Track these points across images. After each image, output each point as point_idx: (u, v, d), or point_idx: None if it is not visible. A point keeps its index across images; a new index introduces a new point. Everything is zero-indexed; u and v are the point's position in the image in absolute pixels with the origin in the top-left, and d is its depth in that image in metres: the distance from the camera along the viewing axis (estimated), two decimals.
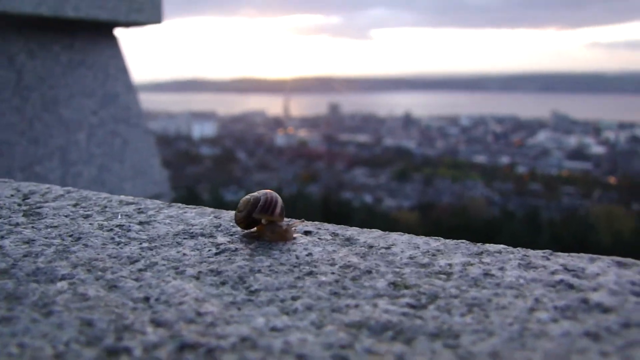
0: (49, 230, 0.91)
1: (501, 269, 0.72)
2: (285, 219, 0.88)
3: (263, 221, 0.85)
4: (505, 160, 59.25)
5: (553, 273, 0.70)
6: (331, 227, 0.90)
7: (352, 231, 0.88)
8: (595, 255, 0.76)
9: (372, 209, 31.42)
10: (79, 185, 3.26)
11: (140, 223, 0.94)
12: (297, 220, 0.90)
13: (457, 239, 0.84)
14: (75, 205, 1.05)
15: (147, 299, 0.66)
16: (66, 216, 0.98)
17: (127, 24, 3.40)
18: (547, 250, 0.79)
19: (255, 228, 0.87)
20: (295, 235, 0.86)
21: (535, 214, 29.69)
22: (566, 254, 0.78)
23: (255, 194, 0.87)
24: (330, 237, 0.85)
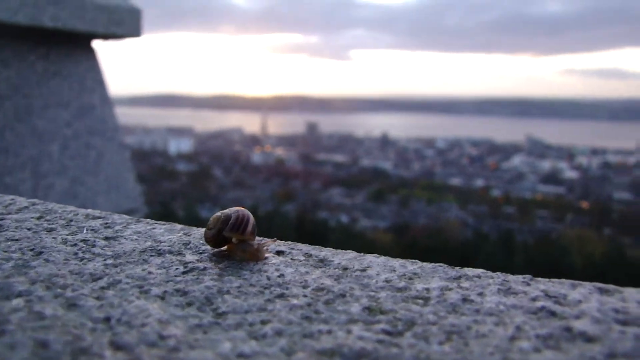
0: (9, 243, 0.87)
1: (480, 294, 0.69)
2: (257, 238, 0.85)
3: (234, 240, 0.82)
4: (480, 183, 59.76)
5: (534, 299, 0.68)
6: (305, 247, 0.87)
7: (326, 252, 0.84)
8: (576, 282, 0.74)
9: (347, 229, 31.40)
10: (51, 197, 3.19)
11: (106, 238, 0.90)
12: (269, 240, 0.87)
13: (433, 261, 0.81)
14: (39, 218, 1.01)
15: (107, 320, 0.62)
16: (29, 229, 0.94)
17: (105, 36, 3.36)
18: (527, 275, 0.76)
19: (225, 247, 0.83)
20: (267, 255, 0.82)
21: (509, 237, 29.94)
22: (547, 279, 0.75)
23: (227, 211, 0.83)
24: (304, 258, 0.82)
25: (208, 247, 0.86)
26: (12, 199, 1.13)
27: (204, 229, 0.93)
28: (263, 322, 0.61)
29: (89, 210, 1.07)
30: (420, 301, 0.67)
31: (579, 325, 0.61)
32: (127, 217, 1.03)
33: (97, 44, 3.51)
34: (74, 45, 3.37)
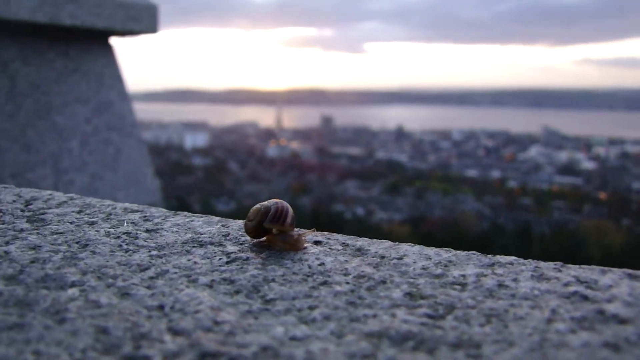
0: (54, 236, 0.90)
1: (515, 280, 0.72)
2: (295, 229, 0.88)
3: (274, 230, 0.85)
4: (496, 174, 59.43)
5: (566, 285, 0.70)
6: (341, 237, 0.90)
7: (362, 242, 0.87)
8: (606, 268, 0.76)
9: (363, 221, 31.40)
10: (71, 193, 3.24)
11: (147, 231, 0.93)
12: (308, 230, 0.90)
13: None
14: (79, 212, 1.04)
15: (161, 307, 0.65)
16: (71, 223, 0.98)
17: (122, 33, 3.39)
18: (558, 262, 0.79)
19: (264, 237, 0.87)
20: (305, 245, 0.85)
21: (526, 228, 29.79)
22: (577, 265, 0.78)
23: (266, 203, 0.86)
24: (341, 247, 0.85)
25: (248, 238, 0.89)
26: (50, 194, 1.16)
27: (240, 221, 0.96)
28: (311, 308, 0.64)
29: (127, 204, 1.11)
30: (458, 287, 0.70)
31: (611, 308, 0.64)
32: (164, 210, 1.06)
33: (114, 41, 3.54)
34: (92, 42, 3.41)
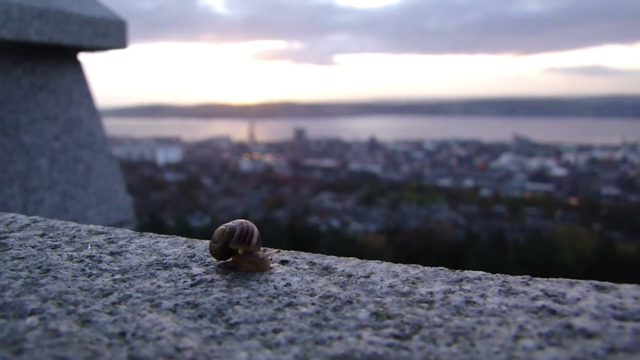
0: (15, 262, 0.88)
1: (482, 296, 0.72)
2: (262, 248, 0.87)
3: (240, 251, 0.83)
4: (469, 183, 59.94)
5: (534, 299, 0.70)
6: (308, 255, 0.89)
7: (329, 260, 0.86)
8: (574, 280, 0.76)
9: (339, 233, 31.41)
10: (41, 212, 3.19)
11: (112, 253, 0.92)
12: (273, 250, 0.88)
13: (426, 263, 0.84)
14: (42, 235, 1.02)
15: (122, 334, 0.63)
16: (33, 247, 0.95)
17: (91, 49, 3.36)
18: (526, 275, 0.78)
19: (230, 258, 0.85)
20: (272, 265, 0.84)
21: (501, 236, 30.05)
22: (545, 279, 0.78)
23: (231, 223, 0.85)
24: (308, 267, 0.84)
25: (213, 259, 0.87)
26: (13, 217, 1.14)
27: (206, 242, 0.95)
28: (275, 331, 0.63)
29: (91, 226, 1.08)
30: (425, 305, 0.69)
31: (578, 322, 0.63)
32: (129, 231, 1.04)
33: (83, 57, 3.50)
34: (60, 58, 3.36)
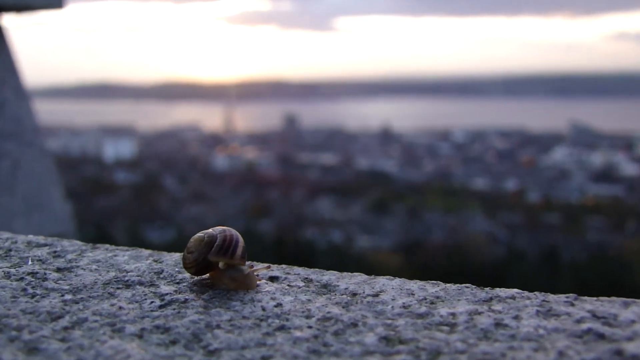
0: None
1: (516, 317, 0.76)
2: (247, 262, 0.91)
3: (220, 265, 0.87)
4: (512, 184, 59.83)
5: (579, 321, 0.75)
6: (303, 271, 0.93)
7: (329, 276, 0.91)
8: (629, 300, 0.81)
9: (342, 250, 31.38)
10: None
11: (59, 270, 0.96)
12: (262, 265, 0.93)
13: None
14: None
15: None
16: None
17: (17, 8, 3.34)
18: (570, 294, 0.83)
19: (208, 274, 0.89)
20: (258, 282, 0.88)
21: (553, 254, 29.97)
22: (594, 298, 0.82)
23: (210, 231, 0.89)
24: (303, 284, 0.88)
25: (187, 274, 0.92)
26: None
27: (178, 254, 0.99)
28: (264, 358, 0.68)
29: (31, 237, 1.12)
30: (446, 328, 0.74)
31: (631, 347, 0.68)
32: (80, 243, 1.09)
33: (7, 20, 3.50)
34: None
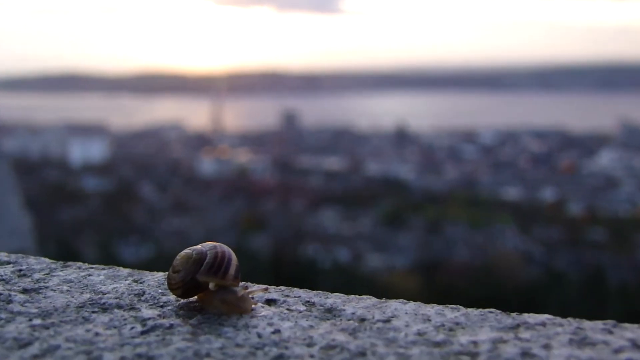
0: None
1: (545, 346, 0.78)
2: (241, 283, 0.93)
3: (211, 286, 0.89)
4: (549, 194, 59.72)
5: (617, 351, 0.77)
6: (304, 293, 0.95)
7: (334, 299, 0.93)
8: None
9: (349, 270, 31.32)
10: None
11: (25, 291, 0.98)
12: (257, 286, 0.94)
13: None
14: None
15: None
16: None
17: None
18: (609, 321, 0.85)
19: (196, 296, 0.91)
20: (254, 305, 0.90)
21: (598, 276, 29.89)
22: (636, 325, 0.84)
23: (199, 247, 0.90)
24: (304, 308, 0.90)
25: (172, 297, 0.94)
26: None
27: (161, 274, 1.01)
28: None
29: None
30: (466, 357, 0.76)
31: None
32: (48, 260, 1.10)
33: None
34: None
